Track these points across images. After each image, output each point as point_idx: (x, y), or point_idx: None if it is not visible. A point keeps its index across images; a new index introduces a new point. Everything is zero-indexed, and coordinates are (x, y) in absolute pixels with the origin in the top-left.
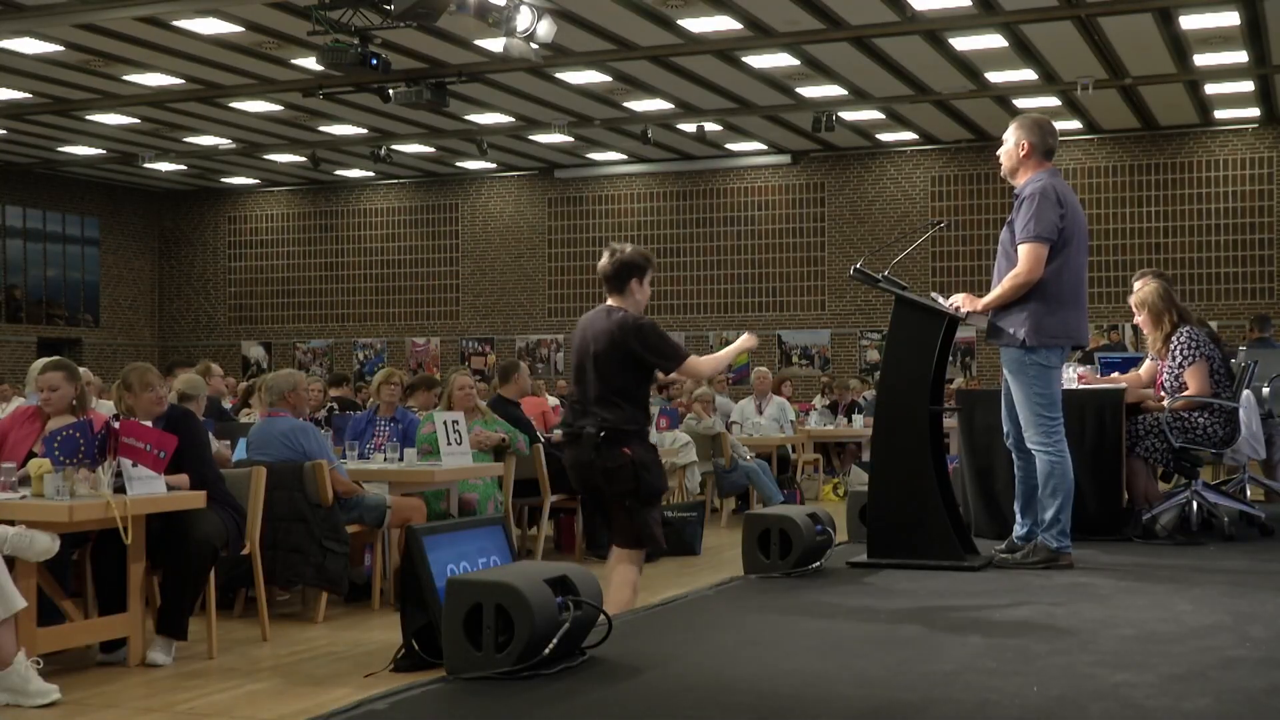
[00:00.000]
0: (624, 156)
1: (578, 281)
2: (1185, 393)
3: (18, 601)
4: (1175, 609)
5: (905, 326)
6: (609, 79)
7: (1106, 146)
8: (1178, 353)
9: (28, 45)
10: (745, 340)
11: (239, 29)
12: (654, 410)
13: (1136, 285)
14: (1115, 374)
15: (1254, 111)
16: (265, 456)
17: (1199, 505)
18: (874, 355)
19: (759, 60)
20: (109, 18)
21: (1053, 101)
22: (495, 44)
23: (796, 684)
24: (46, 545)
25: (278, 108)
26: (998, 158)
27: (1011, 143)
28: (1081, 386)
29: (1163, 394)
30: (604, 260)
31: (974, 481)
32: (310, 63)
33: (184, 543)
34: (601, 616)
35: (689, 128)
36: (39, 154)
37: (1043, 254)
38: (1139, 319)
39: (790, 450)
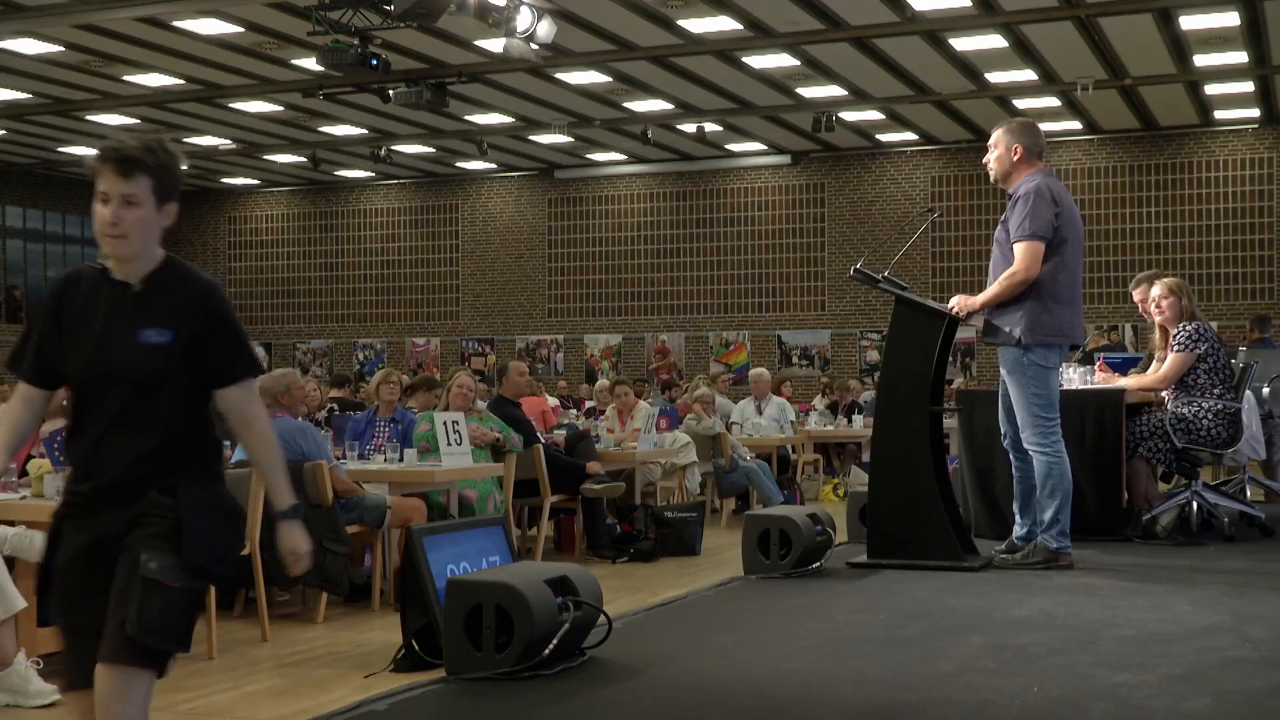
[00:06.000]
0: (624, 157)
1: (578, 282)
2: (1161, 372)
3: (18, 602)
4: (1175, 609)
5: (905, 327)
6: (609, 79)
7: (1106, 147)
8: (1180, 337)
9: (28, 45)
10: None
11: (239, 29)
12: (654, 410)
13: (1136, 294)
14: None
15: (1254, 112)
16: None
17: (1199, 506)
18: (874, 355)
19: (759, 60)
20: (109, 18)
21: (1053, 102)
22: (495, 44)
23: (796, 684)
24: None
25: (278, 108)
26: (987, 164)
27: (1002, 148)
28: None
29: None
30: None
31: (974, 481)
32: (310, 63)
33: None
34: (601, 617)
35: (689, 128)
36: (39, 154)
37: (1039, 252)
38: (1162, 308)
39: (790, 451)
